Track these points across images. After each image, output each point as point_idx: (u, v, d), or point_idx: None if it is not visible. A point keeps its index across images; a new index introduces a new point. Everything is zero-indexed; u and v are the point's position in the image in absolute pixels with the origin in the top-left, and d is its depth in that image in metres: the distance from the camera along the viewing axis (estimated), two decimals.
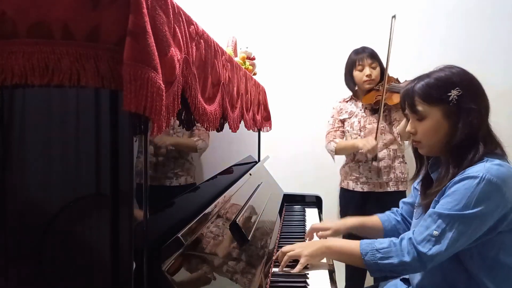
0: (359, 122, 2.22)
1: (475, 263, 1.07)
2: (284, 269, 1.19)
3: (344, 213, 2.33)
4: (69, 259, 0.61)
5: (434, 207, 1.09)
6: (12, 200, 0.62)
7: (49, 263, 0.61)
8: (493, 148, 1.09)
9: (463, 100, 1.07)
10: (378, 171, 2.17)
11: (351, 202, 2.27)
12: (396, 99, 2.08)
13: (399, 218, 1.43)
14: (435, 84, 1.10)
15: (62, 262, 0.61)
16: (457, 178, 1.05)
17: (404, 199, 1.44)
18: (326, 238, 1.44)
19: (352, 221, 1.45)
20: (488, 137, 1.11)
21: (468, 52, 2.52)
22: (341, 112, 2.30)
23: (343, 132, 2.31)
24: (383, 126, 2.17)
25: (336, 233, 1.45)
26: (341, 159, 2.36)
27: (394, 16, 2.06)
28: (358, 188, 2.21)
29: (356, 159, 2.23)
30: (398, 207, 1.51)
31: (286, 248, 1.23)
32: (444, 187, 1.08)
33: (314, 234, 1.49)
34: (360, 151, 2.10)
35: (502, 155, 1.10)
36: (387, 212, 1.47)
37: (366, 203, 2.21)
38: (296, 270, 1.17)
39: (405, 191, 2.18)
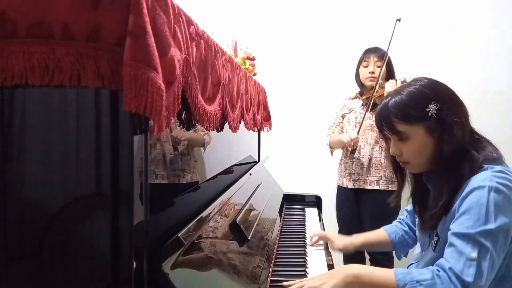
0: (356, 118, 2.25)
1: None
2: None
3: (339, 210, 2.36)
4: (69, 259, 0.61)
5: (447, 224, 1.03)
6: (12, 200, 0.62)
7: (49, 263, 0.61)
8: (489, 153, 1.04)
9: (443, 113, 1.03)
10: (368, 167, 2.19)
11: (345, 200, 2.29)
12: (382, 92, 2.10)
13: (406, 228, 1.38)
14: (410, 101, 1.05)
15: (62, 262, 0.61)
16: (464, 193, 1.00)
17: (407, 208, 1.40)
18: (333, 249, 1.42)
19: (359, 239, 1.41)
20: (477, 142, 1.07)
21: (469, 54, 2.53)
22: (343, 108, 2.35)
23: (343, 128, 2.35)
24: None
25: (344, 250, 1.43)
26: (336, 157, 2.37)
27: (399, 19, 2.09)
28: (350, 185, 2.23)
29: (350, 155, 2.24)
30: (390, 206, 1.49)
31: (305, 281, 1.07)
32: (452, 206, 1.02)
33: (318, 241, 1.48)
34: (343, 142, 2.16)
35: (499, 158, 1.05)
36: (394, 222, 1.44)
37: (359, 201, 2.23)
38: None
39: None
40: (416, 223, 1.22)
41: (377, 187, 2.17)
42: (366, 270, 1.06)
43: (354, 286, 1.04)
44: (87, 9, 0.53)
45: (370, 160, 2.18)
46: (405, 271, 1.02)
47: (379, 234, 1.42)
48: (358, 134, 2.14)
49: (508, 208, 0.97)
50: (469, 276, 0.94)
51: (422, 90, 1.06)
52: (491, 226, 0.95)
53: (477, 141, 1.07)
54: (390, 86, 1.98)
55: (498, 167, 1.01)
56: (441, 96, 1.05)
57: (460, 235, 0.98)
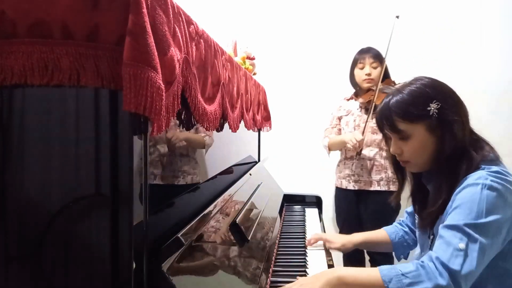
0: (354, 120, 2.24)
1: (484, 272, 1.01)
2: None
3: (338, 212, 2.34)
4: (69, 259, 0.61)
5: (442, 221, 1.03)
6: (12, 200, 0.62)
7: (49, 263, 0.61)
8: (485, 153, 1.05)
9: (444, 112, 1.04)
10: (369, 169, 2.18)
11: (345, 201, 2.28)
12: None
13: (406, 229, 1.39)
14: (411, 100, 1.06)
15: (62, 262, 0.61)
16: (457, 190, 1.01)
17: (407, 209, 1.40)
18: (332, 249, 1.41)
19: (359, 237, 1.41)
20: (475, 142, 1.08)
21: (467, 53, 2.53)
22: (340, 110, 2.33)
23: (340, 130, 2.34)
24: (376, 127, 2.16)
25: (343, 249, 1.42)
26: (336, 157, 2.36)
27: (397, 16, 2.09)
28: (350, 186, 2.22)
29: (350, 156, 2.23)
30: (390, 207, 1.48)
31: (287, 286, 1.05)
32: (448, 202, 1.03)
33: (317, 243, 1.46)
34: (347, 145, 2.12)
35: (496, 159, 1.06)
36: (394, 224, 1.44)
37: (359, 202, 2.22)
38: None
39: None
40: (416, 223, 1.22)
41: (378, 188, 2.16)
42: (349, 271, 1.03)
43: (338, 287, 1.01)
44: (86, 9, 0.53)
45: (370, 161, 2.18)
46: (389, 267, 1.00)
47: (379, 234, 1.42)
48: (363, 135, 2.12)
49: (501, 206, 0.98)
50: (455, 265, 0.93)
51: (423, 89, 1.06)
52: (482, 220, 0.95)
53: (476, 141, 1.08)
54: None
55: (495, 168, 1.02)
56: (442, 94, 1.06)
57: (449, 227, 0.98)
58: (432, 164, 1.09)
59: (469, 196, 0.98)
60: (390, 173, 2.16)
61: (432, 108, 1.04)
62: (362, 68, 2.19)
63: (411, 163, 1.11)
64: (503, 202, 0.98)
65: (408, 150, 1.08)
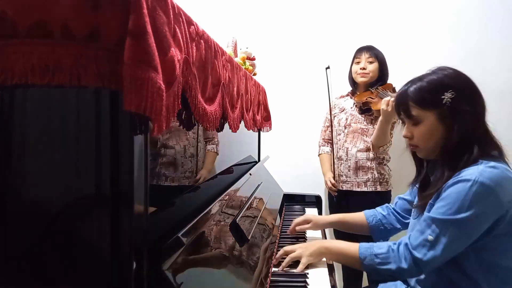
0: (346, 119, 2.24)
1: (472, 266, 1.06)
2: (284, 269, 1.20)
3: (331, 213, 2.31)
4: (69, 259, 0.61)
5: (429, 211, 1.08)
6: (12, 200, 0.62)
7: (49, 263, 0.61)
8: (490, 150, 1.07)
9: (457, 102, 1.06)
10: (356, 170, 2.18)
11: (336, 202, 2.27)
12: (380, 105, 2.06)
13: (385, 213, 1.43)
14: (428, 88, 1.09)
15: (62, 262, 0.61)
16: (450, 182, 1.04)
17: (401, 195, 1.44)
18: (306, 231, 1.49)
19: (333, 216, 1.48)
20: (485, 139, 1.09)
21: (467, 52, 2.53)
22: (334, 108, 2.34)
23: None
24: (367, 129, 2.18)
25: (315, 226, 1.47)
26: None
27: (328, 67, 2.19)
28: (339, 187, 2.23)
29: (338, 156, 2.24)
30: (378, 206, 1.50)
31: (287, 248, 1.24)
32: (439, 190, 1.07)
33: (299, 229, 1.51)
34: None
35: (499, 157, 1.07)
36: (377, 208, 1.48)
37: (349, 203, 2.20)
38: (298, 270, 1.19)
39: (385, 191, 2.17)
40: (412, 212, 1.26)
41: (365, 189, 2.17)
42: (336, 244, 1.24)
43: (325, 256, 1.24)
44: (87, 9, 0.53)
45: (356, 163, 2.18)
46: (368, 245, 1.15)
47: (357, 216, 1.47)
48: (346, 137, 2.20)
49: (487, 202, 1.00)
50: (420, 253, 1.05)
51: (443, 78, 1.09)
52: (459, 216, 1.00)
53: (486, 139, 1.09)
54: (384, 103, 1.95)
55: (492, 163, 1.03)
56: (460, 85, 1.08)
57: (428, 218, 1.06)
58: (439, 152, 1.12)
59: (456, 192, 1.02)
60: (376, 173, 2.16)
61: (446, 97, 1.06)
62: (358, 63, 2.21)
63: (419, 148, 1.16)
64: (492, 198, 1.00)
65: (417, 135, 1.13)
